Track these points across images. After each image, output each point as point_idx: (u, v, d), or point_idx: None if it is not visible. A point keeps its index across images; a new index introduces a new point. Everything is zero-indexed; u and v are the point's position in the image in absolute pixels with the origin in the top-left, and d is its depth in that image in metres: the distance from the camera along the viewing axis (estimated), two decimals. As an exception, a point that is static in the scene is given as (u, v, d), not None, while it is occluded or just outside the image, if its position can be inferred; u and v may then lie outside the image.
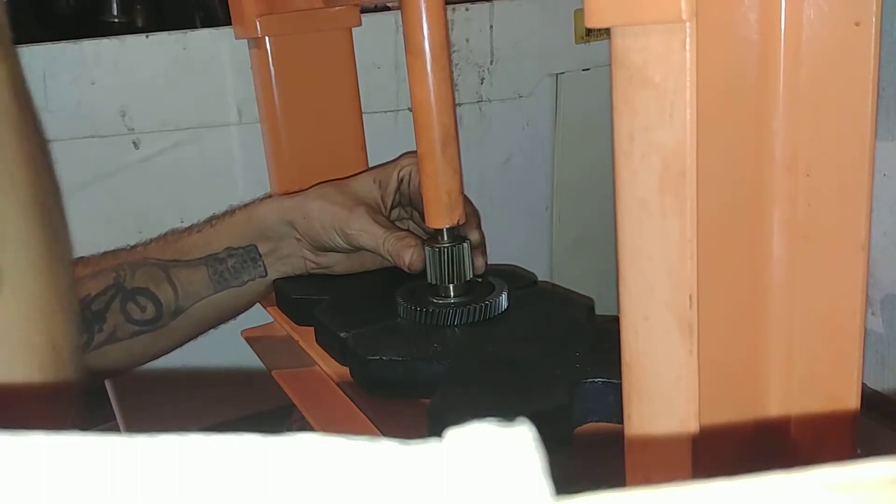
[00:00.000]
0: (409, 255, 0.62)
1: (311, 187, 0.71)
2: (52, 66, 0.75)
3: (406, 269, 0.63)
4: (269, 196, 0.76)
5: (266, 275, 0.71)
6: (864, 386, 0.36)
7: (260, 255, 0.70)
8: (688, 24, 0.27)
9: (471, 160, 0.77)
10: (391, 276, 0.68)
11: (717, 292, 0.33)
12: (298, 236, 0.69)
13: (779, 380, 0.37)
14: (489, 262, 0.69)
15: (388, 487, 0.15)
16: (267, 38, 0.72)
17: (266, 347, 0.73)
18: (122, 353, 0.67)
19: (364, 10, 0.80)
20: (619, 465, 0.35)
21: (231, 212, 0.72)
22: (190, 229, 0.71)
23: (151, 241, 0.71)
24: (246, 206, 0.72)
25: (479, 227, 0.67)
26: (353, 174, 0.72)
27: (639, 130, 0.30)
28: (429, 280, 0.61)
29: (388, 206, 0.70)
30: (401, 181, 0.69)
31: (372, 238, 0.65)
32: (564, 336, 0.55)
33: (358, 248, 0.67)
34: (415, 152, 0.60)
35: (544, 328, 0.57)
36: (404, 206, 0.72)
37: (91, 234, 0.81)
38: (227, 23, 0.77)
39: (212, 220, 0.71)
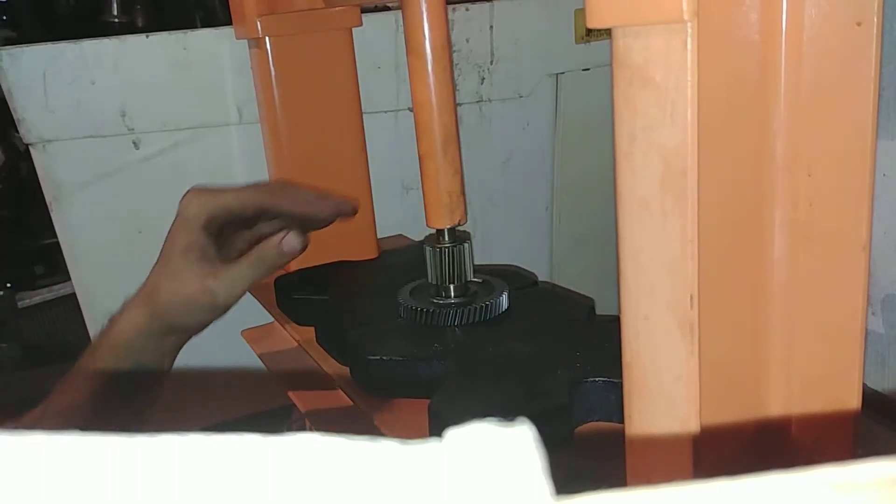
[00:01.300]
0: (284, 246, 0.57)
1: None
2: (52, 66, 0.75)
3: (291, 253, 0.58)
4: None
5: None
6: (864, 386, 0.36)
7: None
8: (689, 25, 0.27)
9: (471, 160, 0.77)
10: (391, 276, 0.68)
11: (719, 292, 0.33)
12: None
13: (780, 380, 0.37)
14: (489, 263, 0.69)
15: (388, 487, 0.15)
16: (267, 39, 0.72)
17: (266, 347, 0.73)
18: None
19: (364, 10, 0.80)
20: (620, 464, 0.35)
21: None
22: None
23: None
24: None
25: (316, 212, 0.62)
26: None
27: (640, 130, 0.30)
28: (429, 280, 0.61)
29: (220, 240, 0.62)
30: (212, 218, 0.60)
31: (241, 279, 0.59)
32: (564, 336, 0.55)
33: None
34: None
35: (544, 328, 0.57)
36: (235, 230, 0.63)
37: (91, 234, 0.81)
38: (227, 23, 0.77)
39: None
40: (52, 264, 1.70)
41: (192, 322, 0.62)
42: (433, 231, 0.60)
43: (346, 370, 0.58)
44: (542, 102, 0.94)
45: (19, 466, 0.14)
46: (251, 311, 0.75)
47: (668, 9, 0.27)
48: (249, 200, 0.61)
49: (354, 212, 0.64)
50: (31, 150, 0.78)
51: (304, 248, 0.58)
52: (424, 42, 0.55)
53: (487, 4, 0.87)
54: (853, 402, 0.36)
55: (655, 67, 0.29)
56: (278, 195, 0.62)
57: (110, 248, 0.82)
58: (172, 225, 0.62)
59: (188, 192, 0.60)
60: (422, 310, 0.58)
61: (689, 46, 0.28)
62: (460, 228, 0.60)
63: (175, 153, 0.82)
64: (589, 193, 0.99)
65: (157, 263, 0.63)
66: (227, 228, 0.61)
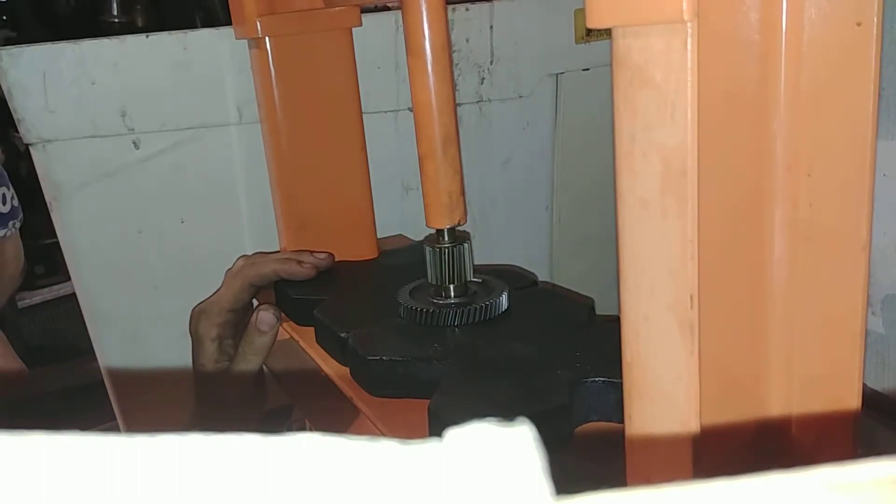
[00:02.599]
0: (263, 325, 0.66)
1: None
2: (52, 66, 0.75)
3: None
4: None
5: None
6: (864, 386, 0.36)
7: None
8: (689, 25, 0.27)
9: (471, 160, 0.77)
10: (391, 276, 0.68)
11: (719, 292, 0.33)
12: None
13: (780, 380, 0.37)
14: (489, 263, 0.69)
15: (388, 487, 0.15)
16: (267, 39, 0.72)
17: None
18: None
19: (364, 10, 0.80)
20: (620, 464, 0.35)
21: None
22: None
23: None
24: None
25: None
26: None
27: (640, 130, 0.30)
28: (429, 280, 0.61)
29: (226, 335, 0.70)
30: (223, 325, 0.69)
31: (246, 370, 0.67)
32: (564, 336, 0.55)
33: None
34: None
35: (544, 328, 0.57)
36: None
37: (91, 234, 0.81)
38: (228, 23, 0.77)
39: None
40: (52, 264, 1.70)
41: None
42: (433, 231, 0.60)
43: (346, 370, 0.58)
44: (542, 102, 0.94)
45: (19, 466, 0.14)
46: (251, 311, 0.75)
47: (669, 9, 0.27)
48: (242, 293, 0.69)
49: (331, 262, 0.72)
50: (31, 150, 0.78)
51: (279, 317, 0.66)
52: (424, 42, 0.55)
53: (487, 4, 0.87)
54: (853, 401, 0.36)
55: (655, 67, 0.29)
56: (261, 268, 0.70)
57: (110, 248, 0.82)
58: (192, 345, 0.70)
59: (191, 313, 0.69)
60: (421, 310, 0.58)
61: (689, 46, 0.28)
62: (460, 228, 0.60)
63: (175, 153, 0.81)
64: (589, 193, 0.99)
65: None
66: (237, 317, 0.69)
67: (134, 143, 0.80)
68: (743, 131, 0.34)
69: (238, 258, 0.73)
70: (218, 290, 0.70)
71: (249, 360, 0.66)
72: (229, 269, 0.72)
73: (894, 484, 0.14)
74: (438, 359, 0.53)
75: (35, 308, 1.74)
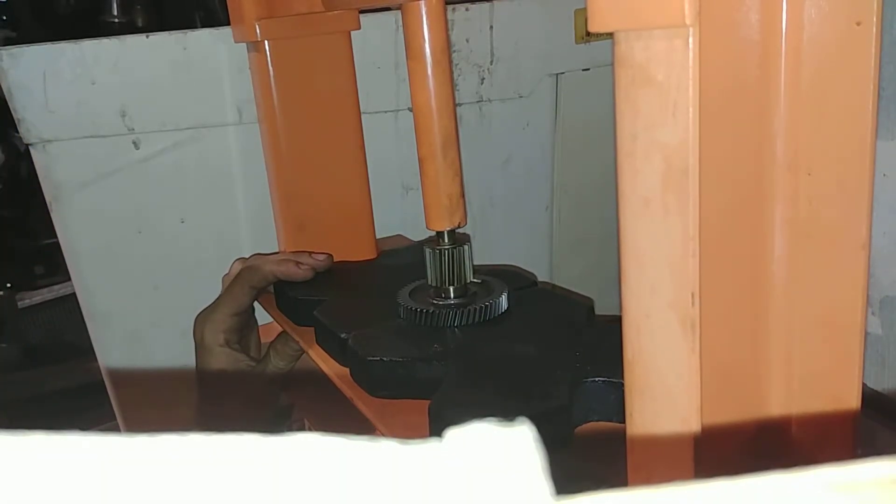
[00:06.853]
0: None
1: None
2: (52, 66, 0.75)
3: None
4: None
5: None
6: (864, 386, 0.36)
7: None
8: (691, 28, 0.27)
9: (471, 160, 0.77)
10: (391, 277, 0.68)
11: (719, 291, 0.33)
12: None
13: (780, 379, 0.37)
14: (489, 263, 0.69)
15: (388, 487, 0.15)
16: (266, 42, 0.72)
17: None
18: None
19: (363, 11, 0.80)
20: (620, 464, 0.35)
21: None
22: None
23: None
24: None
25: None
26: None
27: (641, 129, 0.30)
28: (429, 281, 0.61)
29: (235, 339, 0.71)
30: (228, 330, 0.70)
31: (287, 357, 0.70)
32: (564, 336, 0.55)
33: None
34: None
35: (544, 329, 0.57)
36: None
37: (91, 234, 0.81)
38: (228, 23, 0.77)
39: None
40: (52, 264, 1.70)
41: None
42: (433, 232, 0.60)
43: (346, 370, 0.58)
44: (542, 102, 0.94)
45: (19, 466, 0.14)
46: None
47: (671, 13, 0.27)
48: (244, 297, 0.69)
49: (330, 263, 0.72)
50: (31, 150, 0.78)
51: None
52: (424, 46, 0.55)
53: (487, 4, 0.87)
54: (853, 401, 0.36)
55: (657, 67, 0.29)
56: (258, 271, 0.70)
57: (110, 248, 0.82)
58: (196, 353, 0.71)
59: (195, 322, 0.69)
60: (421, 311, 0.58)
61: (690, 46, 0.28)
62: (460, 230, 0.60)
63: (175, 153, 0.81)
64: (589, 193, 0.99)
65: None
66: (241, 320, 0.70)
67: (134, 143, 0.80)
68: (743, 130, 0.34)
69: (234, 261, 0.73)
70: (219, 296, 0.70)
71: (278, 364, 0.69)
72: (226, 274, 0.72)
73: (894, 484, 0.14)
74: (438, 359, 0.53)
75: (35, 308, 1.74)
